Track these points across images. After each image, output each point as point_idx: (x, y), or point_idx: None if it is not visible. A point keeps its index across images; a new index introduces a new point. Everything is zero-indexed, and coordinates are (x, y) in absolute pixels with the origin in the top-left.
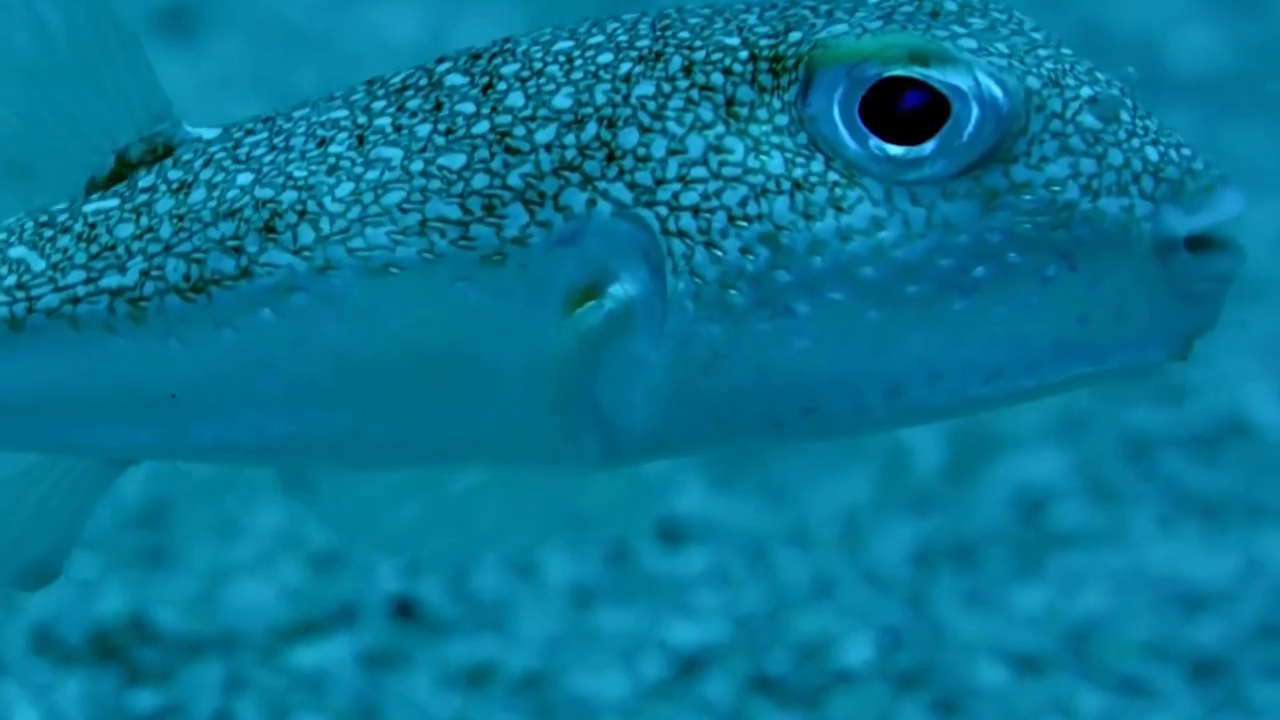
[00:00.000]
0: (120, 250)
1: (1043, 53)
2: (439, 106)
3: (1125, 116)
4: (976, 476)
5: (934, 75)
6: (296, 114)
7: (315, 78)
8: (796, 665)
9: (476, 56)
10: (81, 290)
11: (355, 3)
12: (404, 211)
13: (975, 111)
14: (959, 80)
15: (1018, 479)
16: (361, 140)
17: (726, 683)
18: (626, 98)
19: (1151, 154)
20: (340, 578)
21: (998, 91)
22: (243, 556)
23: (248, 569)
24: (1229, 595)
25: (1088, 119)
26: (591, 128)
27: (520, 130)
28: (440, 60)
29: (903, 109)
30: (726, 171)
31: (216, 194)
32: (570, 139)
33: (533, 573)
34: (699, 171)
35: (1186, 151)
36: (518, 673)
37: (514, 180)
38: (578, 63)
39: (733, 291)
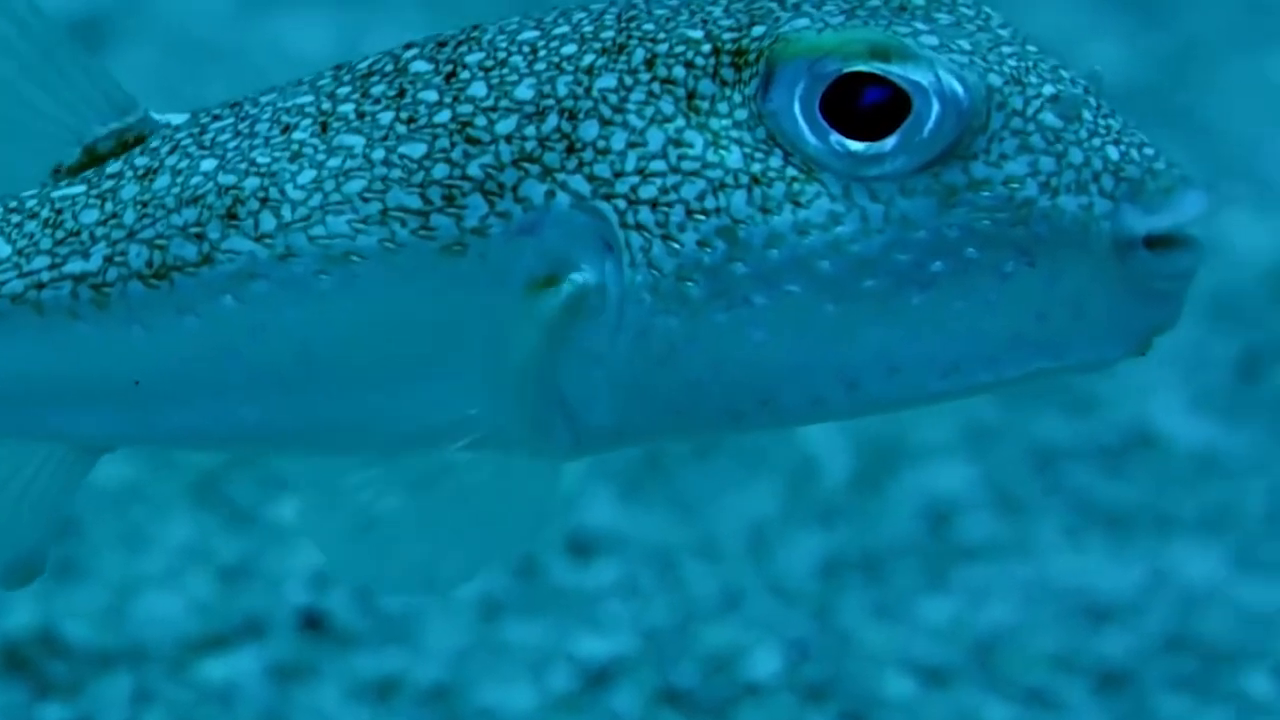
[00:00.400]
0: (85, 236)
1: (1006, 50)
2: (402, 94)
3: (1087, 115)
4: (884, 488)
5: (895, 71)
6: (264, 99)
7: (225, 90)
8: (704, 677)
9: (443, 44)
10: (46, 276)
11: (264, 16)
12: (365, 200)
13: (936, 108)
14: (920, 76)
15: (925, 490)
16: (325, 127)
17: (634, 695)
18: (588, 90)
19: (1112, 153)
20: (248, 590)
21: (958, 88)
22: (151, 569)
23: (156, 582)
24: (1135, 607)
25: (1049, 117)
26: (552, 119)
27: (481, 120)
28: (408, 46)
29: (863, 104)
30: (685, 165)
31: (180, 180)
32: (531, 130)
33: None
34: (658, 165)
35: (1149, 151)
36: (426, 685)
37: (474, 171)
38: (541, 53)
39: (690, 284)
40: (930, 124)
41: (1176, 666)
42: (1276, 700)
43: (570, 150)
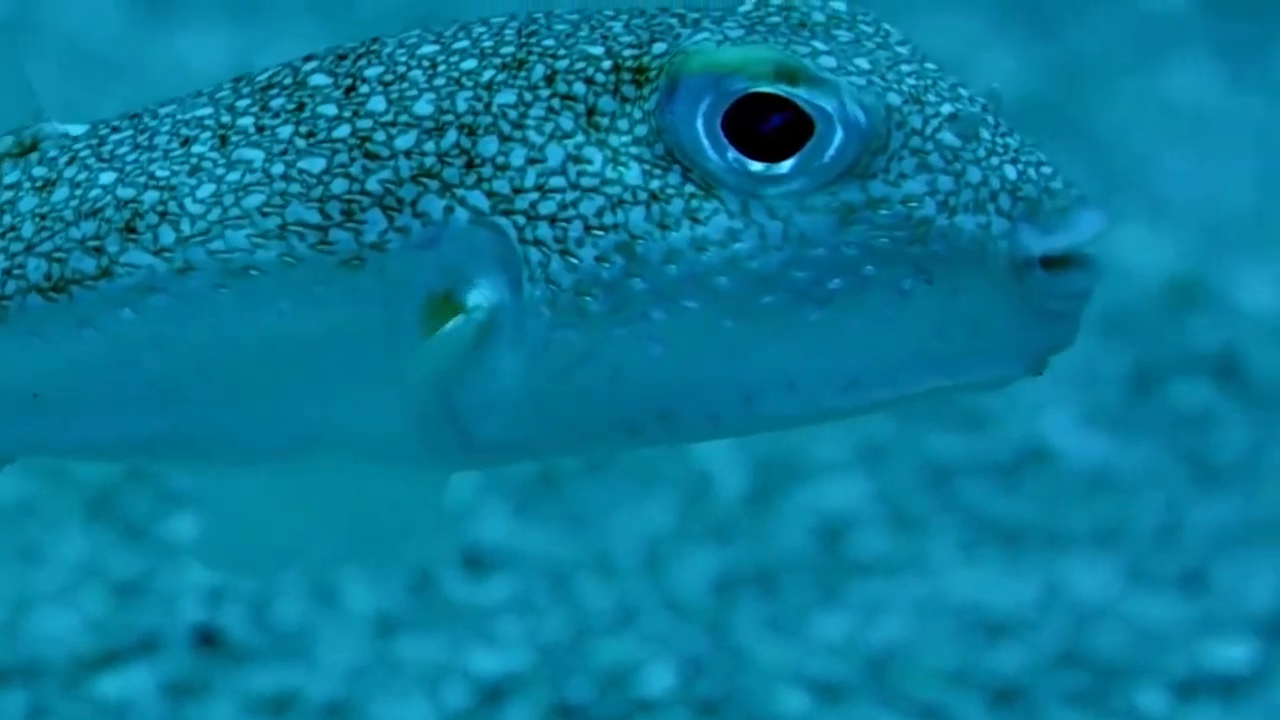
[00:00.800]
0: None
1: (905, 68)
2: (301, 107)
3: (985, 134)
4: (778, 504)
5: (801, 95)
6: (163, 111)
7: (122, 104)
8: (599, 693)
9: (342, 56)
10: None
11: (160, 30)
12: (264, 215)
13: (840, 135)
14: (825, 102)
15: (819, 506)
16: (224, 141)
17: (529, 711)
18: (488, 106)
19: (1010, 172)
20: (143, 607)
21: (860, 113)
22: (45, 585)
23: (50, 598)
24: (1029, 623)
25: (947, 136)
26: (451, 135)
27: (381, 135)
28: (308, 58)
29: (767, 126)
30: (585, 181)
31: (79, 193)
32: (430, 146)
33: (335, 600)
34: (557, 181)
35: (1046, 170)
36: (320, 701)
37: (373, 186)
38: (441, 68)
39: (588, 299)
40: (832, 150)
41: (1070, 682)
42: (1169, 716)
43: (469, 166)
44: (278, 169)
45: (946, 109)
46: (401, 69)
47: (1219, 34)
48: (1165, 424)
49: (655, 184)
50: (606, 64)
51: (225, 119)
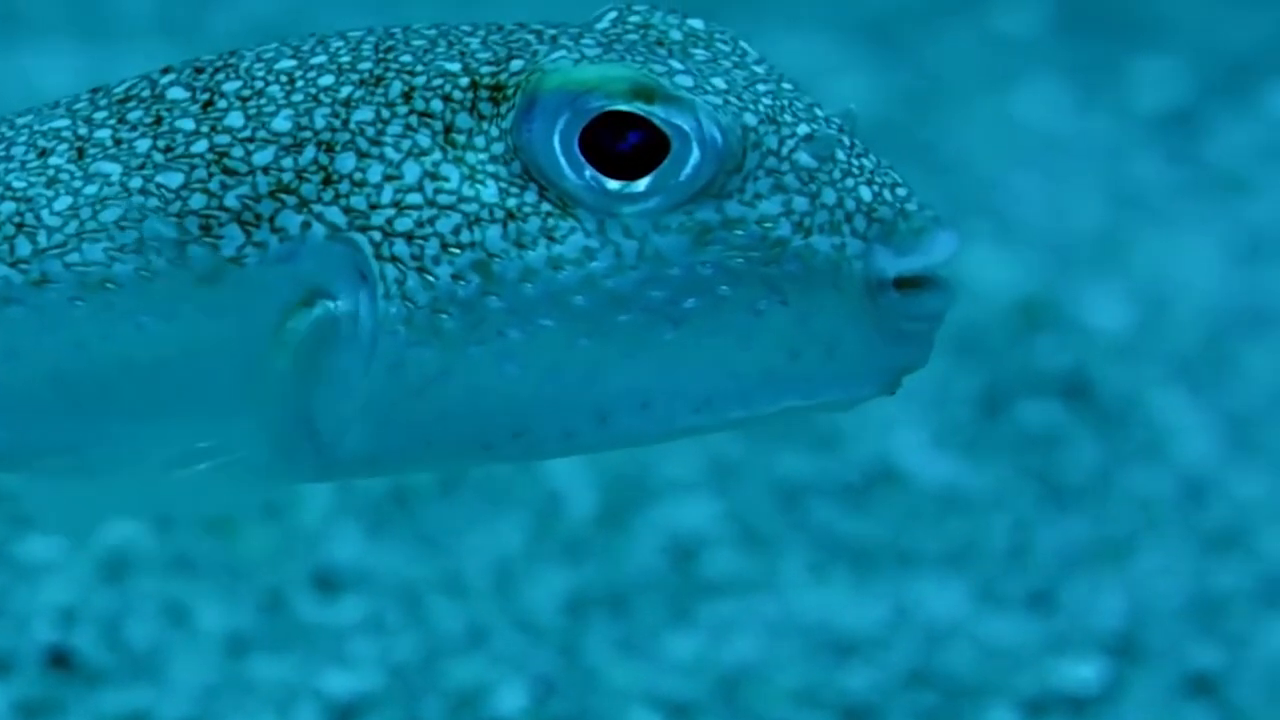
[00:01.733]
0: None
1: (761, 88)
2: (159, 121)
3: (841, 155)
4: (629, 524)
5: (657, 114)
6: (20, 121)
7: None
8: (450, 713)
9: (200, 70)
10: None
11: (8, 49)
12: (122, 229)
13: (695, 153)
14: (682, 121)
15: (670, 526)
16: (81, 153)
17: None
18: (345, 122)
19: (865, 194)
20: None
21: (717, 133)
22: None
23: None
24: (878, 642)
25: (803, 157)
26: (310, 151)
27: (239, 151)
28: (165, 70)
29: (624, 144)
30: (441, 199)
31: None
32: (288, 162)
33: (187, 621)
34: (414, 198)
35: (901, 191)
36: None
37: (231, 201)
38: (299, 84)
39: (444, 316)
40: (688, 169)
41: (919, 701)
42: None
43: (327, 182)
44: (135, 183)
45: (803, 129)
46: (259, 84)
47: (1069, 56)
48: (1014, 444)
49: (512, 202)
50: (464, 81)
51: (83, 131)
